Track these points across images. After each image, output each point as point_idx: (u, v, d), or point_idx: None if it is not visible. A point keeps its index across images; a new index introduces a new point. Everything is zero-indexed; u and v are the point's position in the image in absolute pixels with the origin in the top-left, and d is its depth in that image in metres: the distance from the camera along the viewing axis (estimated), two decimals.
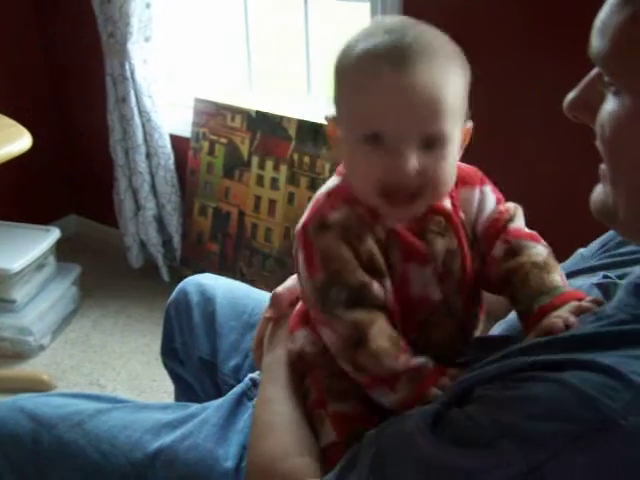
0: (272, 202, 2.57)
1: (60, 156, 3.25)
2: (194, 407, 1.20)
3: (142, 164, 2.75)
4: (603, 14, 0.71)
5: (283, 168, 2.51)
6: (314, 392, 0.98)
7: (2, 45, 2.98)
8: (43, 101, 3.17)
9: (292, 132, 2.48)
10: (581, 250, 1.06)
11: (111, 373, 2.50)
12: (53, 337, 2.70)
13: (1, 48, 2.98)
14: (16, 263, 2.53)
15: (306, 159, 2.46)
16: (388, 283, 0.88)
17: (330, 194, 0.91)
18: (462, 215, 0.92)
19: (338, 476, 0.80)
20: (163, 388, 2.29)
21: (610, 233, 1.01)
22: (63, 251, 2.89)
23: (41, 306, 2.65)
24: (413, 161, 0.82)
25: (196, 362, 1.39)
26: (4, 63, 2.99)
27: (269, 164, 2.55)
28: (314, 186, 2.40)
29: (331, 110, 0.90)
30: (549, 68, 1.87)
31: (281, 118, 2.49)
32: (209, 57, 2.90)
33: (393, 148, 0.82)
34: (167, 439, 1.11)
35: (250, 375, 1.21)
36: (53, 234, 2.75)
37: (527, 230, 0.94)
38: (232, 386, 1.23)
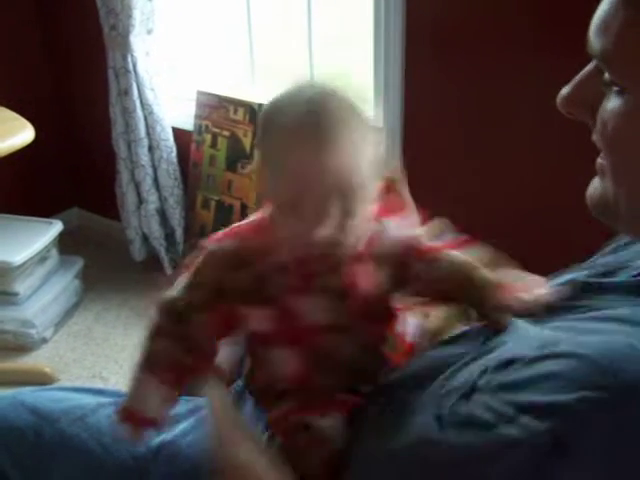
0: None
1: (62, 149, 3.25)
2: (196, 401, 1.19)
3: (144, 157, 2.75)
4: (603, 12, 0.70)
5: None
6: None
7: (4, 38, 2.98)
8: (45, 94, 3.16)
9: None
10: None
11: (113, 366, 2.50)
12: (55, 330, 2.70)
13: (3, 41, 2.97)
14: (19, 256, 2.53)
15: None
16: (264, 310, 0.94)
17: (232, 229, 0.99)
18: (367, 250, 0.94)
19: None
20: None
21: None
22: (65, 244, 2.89)
23: (44, 299, 2.65)
24: (328, 226, 0.86)
25: None
26: (6, 56, 2.99)
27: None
28: None
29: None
30: (548, 67, 1.87)
31: None
32: (211, 50, 2.90)
33: (310, 214, 0.85)
34: (169, 434, 1.12)
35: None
36: (55, 227, 2.75)
37: (442, 244, 0.99)
38: (234, 381, 1.23)
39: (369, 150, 0.89)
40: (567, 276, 0.90)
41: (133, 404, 0.99)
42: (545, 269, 1.02)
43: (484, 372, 0.76)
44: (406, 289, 0.99)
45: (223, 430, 0.97)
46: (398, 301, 1.00)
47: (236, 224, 1.00)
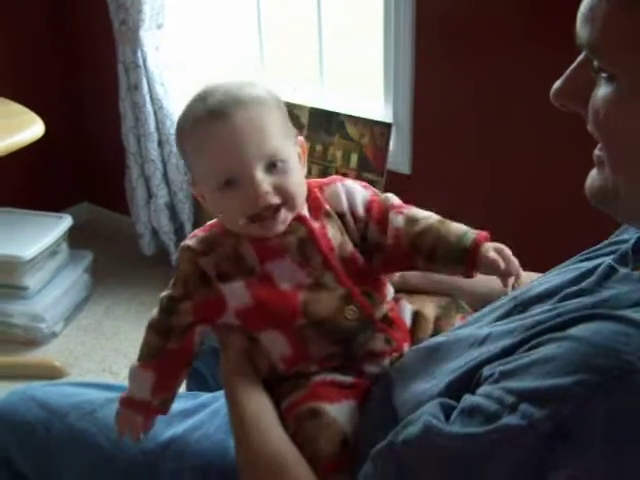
0: None
1: (72, 144, 3.26)
2: (205, 396, 1.20)
3: (154, 152, 2.75)
4: (589, 1, 0.70)
5: None
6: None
7: (15, 33, 2.98)
8: (55, 89, 3.17)
9: (304, 120, 2.47)
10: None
11: (123, 360, 2.51)
12: (65, 324, 2.71)
13: (14, 36, 2.98)
14: (29, 250, 2.54)
15: (318, 147, 2.45)
16: (240, 284, 1.00)
17: (202, 228, 1.08)
18: (327, 206, 1.03)
19: None
20: None
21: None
22: (75, 238, 2.89)
23: (53, 293, 2.66)
24: (265, 183, 0.96)
25: (207, 350, 1.38)
26: (17, 51, 2.99)
27: None
28: (326, 174, 2.38)
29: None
30: (558, 62, 1.86)
31: (293, 106, 2.48)
32: (221, 44, 2.89)
33: (245, 182, 0.96)
34: (179, 429, 1.12)
35: None
36: (65, 221, 2.76)
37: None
38: None
39: (272, 112, 0.99)
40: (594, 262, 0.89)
41: (131, 391, 1.07)
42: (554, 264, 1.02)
43: (487, 362, 0.77)
44: (385, 249, 1.02)
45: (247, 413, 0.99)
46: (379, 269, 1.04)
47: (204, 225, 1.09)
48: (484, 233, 0.97)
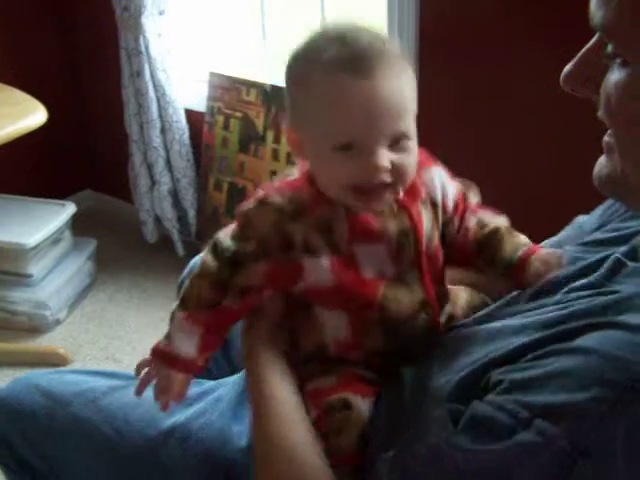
0: None
1: (75, 131, 3.25)
2: (208, 384, 1.20)
3: (157, 139, 2.75)
4: None
5: None
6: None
7: (17, 21, 2.97)
8: (58, 76, 3.16)
9: None
10: (579, 218, 1.05)
11: (126, 347, 2.51)
12: (69, 311, 2.71)
13: (16, 24, 2.97)
14: (32, 238, 2.54)
15: None
16: (325, 261, 0.91)
17: (283, 182, 0.96)
18: (429, 194, 0.98)
19: None
20: None
21: (611, 204, 0.99)
22: (79, 226, 2.89)
23: (57, 280, 2.66)
24: (385, 159, 0.87)
25: None
26: (19, 38, 2.98)
27: (284, 138, 2.53)
28: None
29: (289, 118, 0.94)
30: (559, 67, 1.85)
31: None
32: (223, 31, 2.88)
33: (365, 151, 0.87)
34: (181, 416, 1.12)
35: None
36: (69, 209, 2.76)
37: (483, 206, 1.05)
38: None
39: (411, 81, 0.91)
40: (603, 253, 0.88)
41: (172, 345, 0.96)
42: None
43: (494, 366, 0.76)
44: (455, 246, 1.01)
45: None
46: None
47: (281, 177, 0.98)
48: (535, 248, 0.97)
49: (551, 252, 0.95)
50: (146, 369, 0.99)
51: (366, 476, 0.86)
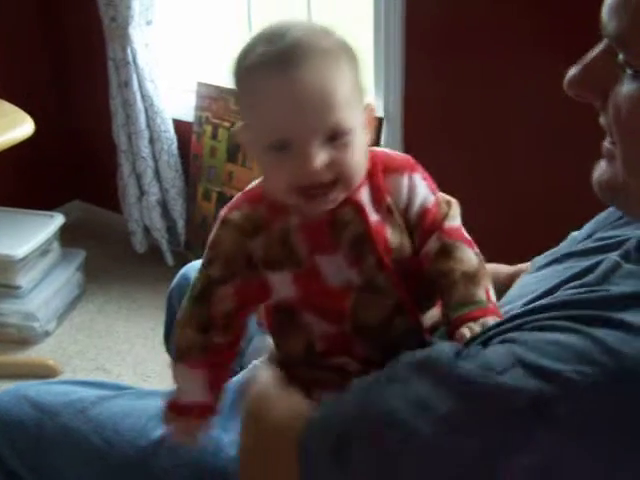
0: None
1: (63, 142, 3.25)
2: None
3: (145, 149, 2.75)
4: None
5: None
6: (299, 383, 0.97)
7: (3, 30, 2.97)
8: (45, 87, 3.16)
9: None
10: (574, 233, 1.05)
11: (116, 358, 2.51)
12: (58, 323, 2.70)
13: (3, 34, 2.97)
14: (20, 249, 2.53)
15: None
16: (287, 275, 0.91)
17: (243, 194, 0.96)
18: (389, 200, 0.92)
19: (337, 398, 0.81)
20: (168, 373, 2.28)
21: (601, 216, 0.99)
22: (67, 237, 2.88)
23: (46, 292, 2.65)
24: (320, 158, 0.83)
25: None
26: (6, 49, 2.98)
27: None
28: None
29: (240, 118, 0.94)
30: (547, 61, 1.86)
31: None
32: (211, 40, 2.89)
33: (299, 150, 0.83)
34: None
35: (254, 361, 1.21)
36: (57, 220, 2.75)
37: (463, 232, 0.94)
38: (236, 372, 1.23)
39: (345, 71, 0.85)
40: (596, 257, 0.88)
41: (183, 395, 0.97)
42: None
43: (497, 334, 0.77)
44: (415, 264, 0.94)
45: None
46: None
47: (243, 190, 0.97)
48: (477, 313, 0.85)
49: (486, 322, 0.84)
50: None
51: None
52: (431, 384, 0.72)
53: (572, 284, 0.81)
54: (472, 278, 0.88)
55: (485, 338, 0.78)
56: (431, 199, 0.95)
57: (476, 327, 0.82)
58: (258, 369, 1.01)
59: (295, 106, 0.82)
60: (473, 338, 0.79)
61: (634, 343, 0.65)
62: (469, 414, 0.69)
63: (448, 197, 0.97)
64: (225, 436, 1.09)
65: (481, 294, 0.87)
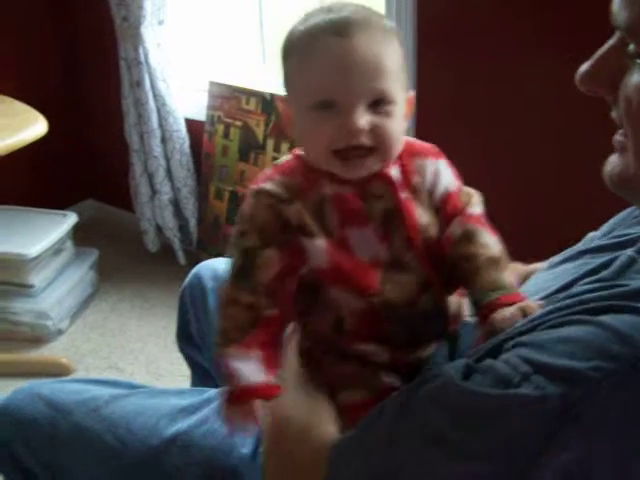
0: None
1: (75, 141, 3.26)
2: (210, 392, 1.20)
3: (157, 148, 2.75)
4: None
5: None
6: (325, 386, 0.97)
7: (16, 31, 2.98)
8: (58, 87, 3.17)
9: None
10: (591, 234, 1.05)
11: (129, 357, 2.52)
12: (71, 321, 2.71)
13: (15, 34, 2.98)
14: (34, 248, 2.54)
15: None
16: (321, 242, 0.91)
17: (273, 168, 0.97)
18: (417, 179, 0.95)
19: (358, 433, 0.82)
20: (180, 372, 2.29)
21: (619, 216, 0.99)
22: (80, 236, 2.90)
23: (59, 291, 2.66)
24: (363, 119, 0.86)
25: (211, 347, 1.39)
26: (18, 49, 2.99)
27: (284, 147, 2.54)
28: None
29: (283, 93, 0.97)
30: (558, 64, 1.85)
31: None
32: (223, 40, 2.89)
33: (344, 109, 0.86)
34: (183, 425, 1.12)
35: None
36: (70, 219, 2.76)
37: (484, 219, 0.95)
38: None
39: (396, 50, 0.90)
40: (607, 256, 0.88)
41: (241, 380, 0.89)
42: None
43: (512, 337, 0.77)
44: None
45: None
46: None
47: (272, 165, 0.98)
48: (510, 298, 0.85)
49: (528, 306, 0.83)
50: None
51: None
52: (448, 420, 0.73)
53: (587, 279, 0.81)
54: (496, 263, 0.89)
55: (498, 342, 0.78)
56: (454, 184, 0.97)
57: (514, 310, 0.82)
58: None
59: (347, 67, 0.86)
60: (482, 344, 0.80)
61: None
62: (488, 437, 0.69)
63: (469, 189, 0.99)
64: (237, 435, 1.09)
65: (507, 279, 0.89)
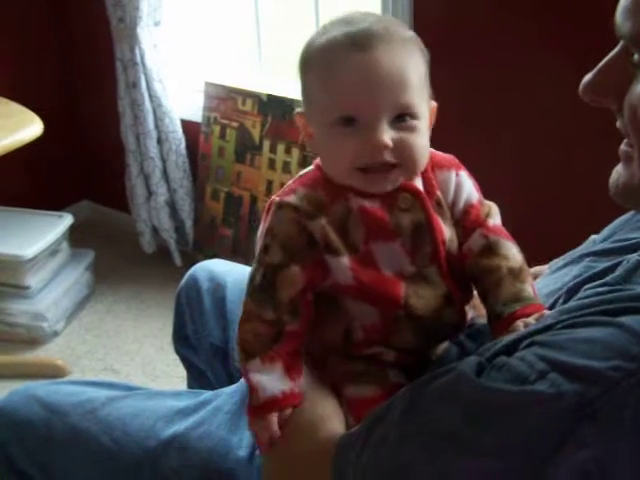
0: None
1: (71, 142, 3.25)
2: (206, 394, 1.20)
3: (153, 149, 2.75)
4: None
5: (295, 151, 2.50)
6: (330, 381, 0.97)
7: (12, 31, 2.98)
8: (53, 87, 3.16)
9: None
10: (593, 236, 1.05)
11: (125, 358, 2.51)
12: (67, 323, 2.71)
13: (11, 34, 2.98)
14: (30, 249, 2.54)
15: None
16: (345, 260, 0.90)
17: (296, 180, 0.95)
18: (439, 194, 0.94)
19: (366, 429, 0.81)
20: (177, 373, 2.29)
21: (621, 219, 0.99)
22: (76, 237, 2.89)
23: (55, 292, 2.66)
24: (387, 136, 0.85)
25: (207, 348, 1.39)
26: (14, 50, 2.99)
27: (281, 148, 2.54)
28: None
29: (300, 106, 0.96)
30: (558, 66, 1.85)
31: (292, 101, 2.47)
32: (219, 41, 2.89)
33: (367, 125, 0.85)
34: (180, 427, 1.11)
35: None
36: (66, 220, 2.76)
37: (505, 230, 0.96)
38: None
39: (419, 61, 0.89)
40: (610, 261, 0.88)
41: (254, 398, 0.91)
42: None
43: (526, 337, 0.77)
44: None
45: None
46: None
47: (294, 178, 0.97)
48: (531, 309, 0.86)
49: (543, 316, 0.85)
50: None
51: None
52: (460, 415, 0.72)
53: (593, 284, 0.81)
54: (518, 274, 0.90)
55: (511, 342, 0.78)
56: (475, 196, 0.97)
57: (531, 320, 0.83)
58: None
59: (369, 82, 0.84)
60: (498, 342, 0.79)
61: None
62: (502, 433, 0.69)
63: (487, 201, 0.99)
64: (233, 437, 1.09)
65: (529, 290, 0.89)
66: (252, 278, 0.93)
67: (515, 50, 1.98)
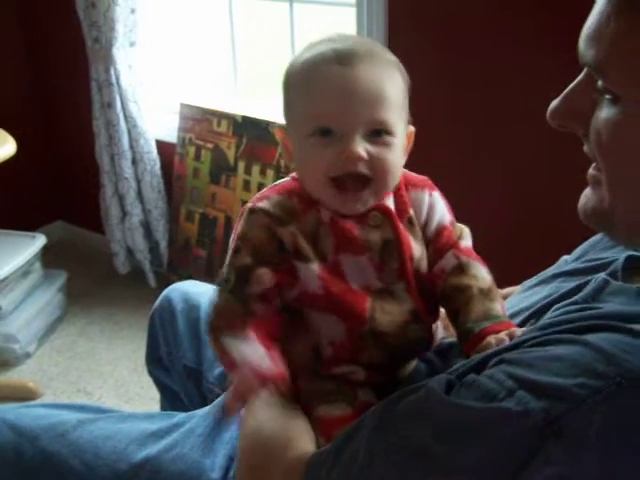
0: None
1: (45, 162, 3.24)
2: (180, 416, 1.19)
3: (128, 170, 2.74)
4: (595, 22, 0.70)
5: (270, 173, 2.50)
6: (301, 401, 0.97)
7: None
8: (28, 107, 3.15)
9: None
10: (565, 257, 1.07)
11: (98, 380, 2.48)
12: (39, 344, 2.68)
13: None
14: (1, 270, 2.50)
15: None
16: (315, 267, 0.91)
17: (271, 188, 0.98)
18: (412, 212, 0.97)
19: (335, 447, 0.81)
20: (150, 395, 2.27)
21: (592, 240, 1.01)
22: (49, 258, 2.87)
23: (27, 313, 2.63)
24: (361, 146, 0.87)
25: (181, 370, 1.38)
26: None
27: (255, 169, 2.54)
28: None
29: (276, 127, 0.98)
30: (538, 55, 1.87)
31: (267, 123, 2.48)
32: (194, 62, 2.89)
33: (343, 137, 0.88)
34: (152, 449, 1.10)
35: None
36: (39, 240, 2.73)
37: (475, 253, 0.99)
38: (218, 394, 1.22)
39: (398, 83, 0.92)
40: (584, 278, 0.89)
41: (241, 367, 0.83)
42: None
43: (495, 354, 0.77)
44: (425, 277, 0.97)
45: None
46: None
47: (269, 186, 0.99)
48: (501, 326, 0.87)
49: (517, 331, 0.86)
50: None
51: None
52: (429, 433, 0.73)
53: (563, 302, 0.82)
54: (488, 294, 0.93)
55: (480, 359, 0.79)
56: (448, 218, 1.00)
57: (502, 336, 0.85)
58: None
59: (347, 94, 0.87)
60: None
61: (635, 349, 0.66)
62: (472, 451, 0.69)
63: (458, 224, 1.02)
64: (206, 459, 1.08)
65: (498, 309, 0.92)
66: (226, 280, 0.93)
67: (511, 49, 1.96)
